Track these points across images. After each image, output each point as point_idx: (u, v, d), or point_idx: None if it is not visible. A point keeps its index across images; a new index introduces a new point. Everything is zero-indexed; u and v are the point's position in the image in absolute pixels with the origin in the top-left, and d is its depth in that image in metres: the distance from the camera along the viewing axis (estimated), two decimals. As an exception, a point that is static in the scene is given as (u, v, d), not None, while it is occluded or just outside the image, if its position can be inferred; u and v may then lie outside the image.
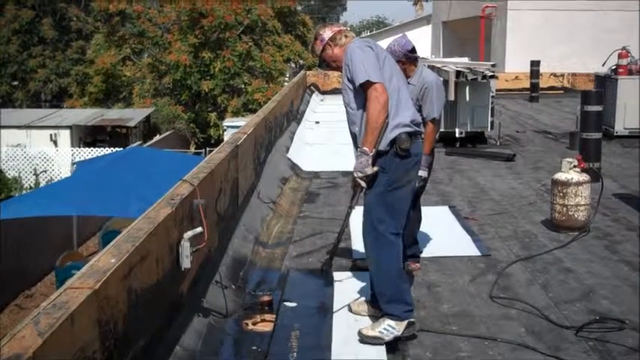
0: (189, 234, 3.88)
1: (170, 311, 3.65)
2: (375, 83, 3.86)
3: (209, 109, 29.06)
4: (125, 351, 2.90)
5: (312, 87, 19.98)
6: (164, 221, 3.54)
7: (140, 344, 3.11)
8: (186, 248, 3.83)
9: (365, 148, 3.88)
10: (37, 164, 22.78)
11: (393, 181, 3.95)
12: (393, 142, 3.92)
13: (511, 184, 8.69)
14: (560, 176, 6.44)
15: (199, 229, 3.97)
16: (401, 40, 5.19)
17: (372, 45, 4.07)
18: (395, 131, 3.92)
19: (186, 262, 3.85)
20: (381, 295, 4.11)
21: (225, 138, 24.77)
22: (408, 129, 3.96)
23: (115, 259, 2.86)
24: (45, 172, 22.71)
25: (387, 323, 4.00)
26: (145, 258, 3.19)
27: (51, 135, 24.16)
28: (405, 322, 4.00)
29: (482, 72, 10.90)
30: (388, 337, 3.99)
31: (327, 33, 4.19)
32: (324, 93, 20.21)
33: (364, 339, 4.03)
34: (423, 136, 4.25)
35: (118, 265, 2.81)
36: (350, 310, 4.49)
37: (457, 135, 11.26)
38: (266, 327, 4.34)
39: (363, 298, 4.58)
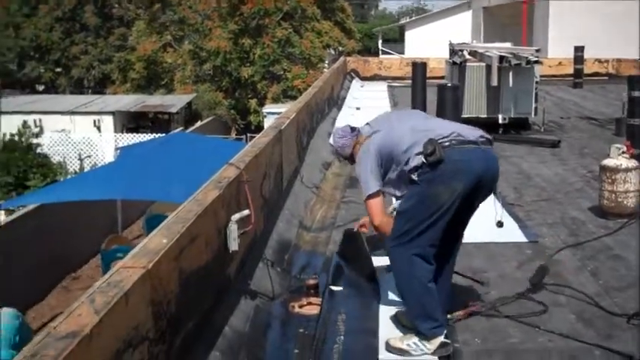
0: (236, 216, 3.89)
1: (218, 293, 3.66)
2: (371, 198, 3.90)
3: (249, 96, 29.16)
4: (177, 331, 2.92)
5: (352, 73, 19.91)
6: (212, 203, 3.55)
7: (190, 325, 3.12)
8: (233, 230, 3.84)
9: None
10: (81, 149, 23.09)
11: (426, 193, 3.68)
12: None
13: (556, 171, 8.56)
14: (609, 162, 6.31)
15: (246, 212, 3.97)
16: (336, 136, 4.38)
17: (371, 143, 3.96)
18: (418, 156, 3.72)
19: (233, 245, 3.86)
20: (407, 308, 3.92)
21: (266, 124, 24.92)
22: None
23: (166, 240, 2.87)
24: (89, 157, 23.02)
25: (416, 339, 3.75)
26: (195, 239, 3.20)
27: (94, 121, 24.49)
28: (438, 342, 3.72)
29: (527, 57, 10.73)
30: (416, 353, 3.71)
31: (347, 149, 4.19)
32: (364, 79, 20.12)
33: (390, 349, 3.79)
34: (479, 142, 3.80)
35: (169, 246, 2.82)
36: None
37: (500, 121, 11.12)
38: (312, 310, 4.33)
39: None
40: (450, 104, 6.97)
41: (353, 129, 4.25)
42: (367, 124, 4.26)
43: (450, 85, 7.47)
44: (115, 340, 2.26)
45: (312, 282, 4.70)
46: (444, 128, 3.78)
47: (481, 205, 6.66)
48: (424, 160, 3.62)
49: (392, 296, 4.45)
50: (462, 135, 3.71)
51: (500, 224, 4.21)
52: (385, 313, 4.28)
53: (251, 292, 4.28)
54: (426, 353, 3.73)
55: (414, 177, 3.69)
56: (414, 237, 3.67)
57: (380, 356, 3.76)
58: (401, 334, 3.93)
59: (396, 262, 3.82)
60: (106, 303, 2.23)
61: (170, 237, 2.91)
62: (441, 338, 3.76)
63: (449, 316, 4.08)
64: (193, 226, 3.16)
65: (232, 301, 3.95)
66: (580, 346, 3.86)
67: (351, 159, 4.24)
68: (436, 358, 3.73)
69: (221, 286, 3.74)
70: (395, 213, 4.07)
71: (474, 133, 3.82)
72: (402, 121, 4.03)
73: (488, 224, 6.22)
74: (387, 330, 4.03)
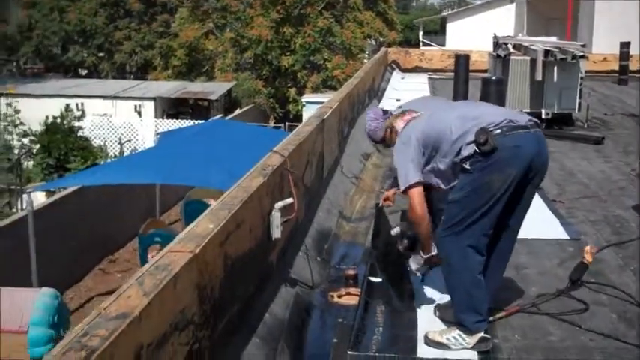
0: (279, 204, 3.91)
1: (260, 280, 3.69)
2: (411, 188, 3.79)
3: (289, 85, 29.21)
4: (220, 316, 2.95)
5: (392, 64, 19.82)
6: (257, 190, 3.57)
7: (234, 310, 3.16)
8: (276, 218, 3.86)
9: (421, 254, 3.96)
10: (122, 134, 23.37)
11: (479, 182, 3.60)
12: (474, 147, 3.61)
13: (600, 168, 8.44)
14: (656, 161, 6.22)
15: (290, 200, 3.99)
16: (368, 119, 4.32)
17: (412, 131, 3.86)
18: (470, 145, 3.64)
19: (276, 232, 3.88)
20: (454, 300, 3.85)
21: (304, 114, 24.97)
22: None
23: (212, 225, 2.90)
24: (129, 141, 23.29)
25: (457, 332, 3.73)
26: (240, 226, 3.23)
27: (135, 106, 24.75)
28: (478, 336, 3.71)
29: (572, 52, 10.58)
30: (455, 347, 3.69)
31: (399, 124, 4.01)
32: (404, 71, 20.01)
33: (429, 342, 3.76)
34: (529, 127, 3.69)
35: (216, 231, 2.84)
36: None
37: (543, 116, 10.98)
38: (351, 300, 4.35)
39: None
40: (493, 98, 6.91)
41: (385, 112, 4.21)
42: (400, 107, 4.22)
43: (494, 78, 7.38)
44: (163, 323, 2.29)
45: (351, 272, 4.70)
46: (494, 115, 3.70)
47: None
48: (477, 150, 3.55)
49: (431, 289, 4.44)
50: (512, 121, 3.64)
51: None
52: (425, 305, 4.27)
53: (291, 280, 4.31)
54: (465, 347, 3.71)
55: (466, 166, 3.62)
56: (467, 226, 3.62)
57: (419, 349, 3.76)
58: (441, 328, 3.91)
59: (447, 252, 3.76)
60: (155, 285, 2.27)
61: (216, 222, 2.94)
62: (482, 333, 3.73)
63: (490, 318, 4.04)
64: (238, 212, 3.19)
65: (273, 289, 3.98)
66: (622, 347, 3.81)
67: (383, 142, 4.18)
68: (475, 352, 3.72)
69: (263, 273, 3.77)
70: (398, 233, 4.16)
71: (523, 117, 3.75)
72: (447, 110, 3.93)
73: (529, 220, 6.18)
74: (426, 323, 4.03)
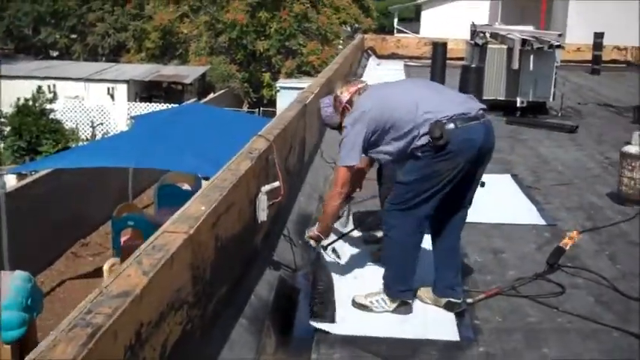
0: (266, 187, 3.95)
1: (246, 262, 3.73)
2: (340, 167, 3.99)
3: (263, 70, 29.15)
4: (210, 297, 2.99)
5: (369, 50, 19.85)
6: (246, 174, 3.61)
7: (222, 291, 3.20)
8: (263, 201, 3.91)
9: (313, 231, 4.23)
10: (94, 117, 23.19)
11: (430, 169, 3.76)
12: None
13: (575, 156, 8.58)
14: (630, 149, 6.34)
15: (277, 183, 4.04)
16: (323, 105, 4.43)
17: (363, 106, 3.94)
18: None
19: (262, 215, 3.93)
20: (386, 268, 4.06)
21: (278, 99, 24.95)
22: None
23: (204, 207, 2.93)
24: (101, 124, 23.13)
25: (381, 297, 3.99)
26: (230, 208, 3.27)
27: (108, 88, 24.55)
28: (399, 301, 3.97)
29: (549, 41, 10.70)
30: (378, 310, 3.97)
31: (344, 95, 4.10)
32: (380, 57, 20.03)
33: (354, 305, 4.04)
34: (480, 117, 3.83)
35: (208, 213, 2.88)
36: (414, 294, 4.19)
37: (518, 104, 11.10)
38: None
39: (429, 287, 4.21)
40: (472, 86, 6.98)
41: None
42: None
43: (473, 66, 7.46)
44: (161, 302, 2.33)
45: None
46: (449, 106, 3.79)
47: (499, 188, 6.78)
48: (430, 142, 3.70)
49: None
50: (465, 113, 3.77)
51: (482, 184, 4.17)
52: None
53: (274, 263, 4.36)
54: (387, 310, 3.98)
55: (418, 153, 3.77)
56: (411, 206, 3.82)
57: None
58: (367, 292, 4.12)
59: (388, 226, 3.95)
60: (153, 265, 2.30)
61: (208, 204, 2.97)
62: (404, 299, 3.99)
63: (469, 300, 4.16)
64: (229, 195, 3.23)
65: (258, 271, 4.02)
66: (599, 328, 3.92)
67: (340, 128, 4.18)
68: (456, 332, 3.82)
69: (249, 256, 3.81)
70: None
71: (474, 106, 3.88)
72: (404, 92, 4.00)
73: (505, 205, 6.30)
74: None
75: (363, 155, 4.03)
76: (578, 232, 5.03)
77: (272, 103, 26.92)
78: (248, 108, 27.78)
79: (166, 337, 2.41)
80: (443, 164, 3.71)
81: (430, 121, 3.70)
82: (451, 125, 3.68)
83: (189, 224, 2.71)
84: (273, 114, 23.34)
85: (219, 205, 3.04)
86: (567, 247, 4.82)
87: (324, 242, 4.47)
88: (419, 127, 3.74)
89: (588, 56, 18.52)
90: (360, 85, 4.15)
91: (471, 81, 7.13)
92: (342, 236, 4.81)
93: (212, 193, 3.13)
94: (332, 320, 3.89)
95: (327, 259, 4.55)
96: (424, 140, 3.72)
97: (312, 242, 4.33)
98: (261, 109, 26.62)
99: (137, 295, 2.10)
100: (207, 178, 14.50)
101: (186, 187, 13.29)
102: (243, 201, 3.60)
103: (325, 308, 4.01)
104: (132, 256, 2.37)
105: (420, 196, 3.78)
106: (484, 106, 3.94)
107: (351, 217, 5.22)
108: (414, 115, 3.76)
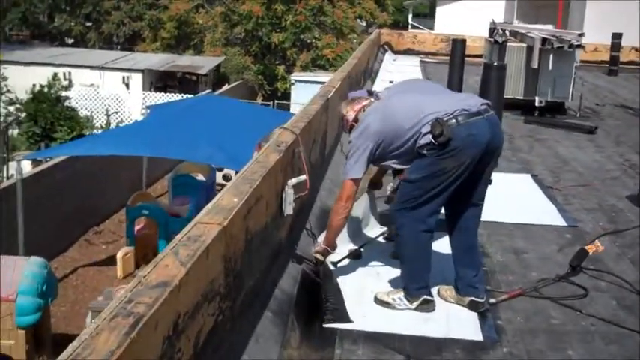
0: (293, 181, 3.95)
1: (272, 254, 3.73)
2: (345, 181, 4.03)
3: (278, 62, 29.12)
4: (240, 288, 2.99)
5: (385, 46, 19.80)
6: (274, 167, 3.60)
7: (250, 283, 3.20)
8: (289, 195, 3.90)
9: (320, 244, 4.19)
10: (109, 105, 23.22)
11: (436, 167, 3.77)
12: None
13: (594, 157, 8.54)
14: (653, 152, 6.31)
15: (303, 177, 4.03)
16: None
17: (367, 120, 4.01)
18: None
19: (288, 209, 3.92)
20: (401, 266, 4.11)
21: (293, 92, 24.91)
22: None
23: (237, 199, 2.93)
24: (116, 113, 23.15)
25: (402, 294, 4.03)
26: (259, 201, 3.26)
27: (123, 77, 24.55)
28: (421, 299, 3.98)
29: (569, 41, 10.64)
30: (400, 307, 4.01)
31: (350, 114, 4.22)
32: (396, 53, 20.01)
33: (377, 301, 4.08)
34: (483, 112, 3.83)
35: (240, 205, 2.87)
36: (438, 293, 4.22)
37: (537, 104, 11.07)
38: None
39: (452, 286, 4.21)
40: (494, 84, 6.94)
41: (370, 92, 4.38)
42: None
43: (496, 64, 7.42)
44: (196, 293, 2.33)
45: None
46: (449, 105, 3.80)
47: (520, 188, 6.76)
48: (433, 140, 3.71)
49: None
50: (465, 109, 3.77)
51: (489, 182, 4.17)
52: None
53: (297, 257, 4.36)
54: (409, 308, 4.00)
55: (423, 152, 3.78)
56: (419, 204, 3.84)
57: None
58: (389, 289, 4.18)
59: (399, 225, 3.98)
60: (190, 256, 2.30)
61: (240, 197, 2.97)
62: (425, 296, 4.00)
63: (492, 300, 4.15)
64: (258, 187, 3.22)
65: (282, 264, 4.02)
66: (622, 332, 3.90)
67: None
68: (479, 333, 3.80)
69: (274, 249, 3.81)
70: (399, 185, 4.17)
71: (475, 102, 3.88)
72: (406, 103, 4.00)
73: (526, 206, 6.28)
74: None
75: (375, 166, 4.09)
76: (600, 246, 4.99)
77: (286, 96, 26.89)
78: (262, 100, 27.75)
79: (200, 328, 2.40)
80: (449, 161, 3.73)
81: (431, 120, 3.74)
82: (453, 121, 3.70)
83: (223, 216, 2.71)
84: (287, 107, 23.35)
85: (250, 198, 3.03)
86: (591, 251, 4.79)
87: (334, 258, 4.48)
88: (420, 128, 3.78)
89: (605, 57, 18.46)
90: (364, 103, 4.23)
91: (492, 79, 7.08)
92: (352, 253, 4.71)
93: (243, 186, 3.12)
94: (348, 320, 3.88)
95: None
96: (427, 139, 3.74)
97: (319, 256, 4.31)
98: (276, 101, 26.58)
99: (176, 286, 2.10)
100: (221, 169, 14.60)
101: (200, 177, 13.33)
102: (270, 194, 3.60)
103: (338, 313, 3.97)
104: (168, 246, 2.37)
105: (428, 194, 3.81)
106: (487, 102, 3.95)
107: (372, 218, 5.17)
108: (418, 120, 3.80)
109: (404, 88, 4.33)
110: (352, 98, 4.34)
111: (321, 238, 4.38)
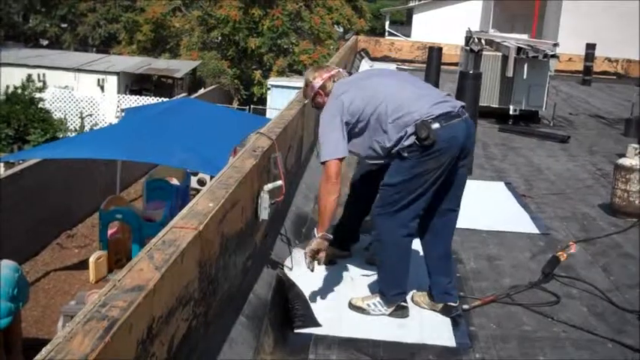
0: (269, 186, 3.94)
1: (247, 259, 3.72)
2: (330, 161, 3.83)
3: (254, 67, 29.08)
4: (214, 293, 2.98)
5: (362, 52, 19.88)
6: (250, 172, 3.60)
7: (224, 288, 3.19)
8: (265, 200, 3.90)
9: (315, 231, 3.91)
10: (83, 107, 23.01)
11: (416, 170, 3.74)
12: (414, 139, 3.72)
13: (567, 166, 8.64)
14: (625, 162, 6.39)
15: (279, 182, 4.02)
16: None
17: (343, 95, 3.89)
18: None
19: (264, 214, 3.92)
20: (379, 271, 4.08)
21: (269, 97, 24.89)
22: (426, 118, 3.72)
23: (212, 204, 2.92)
24: (90, 115, 22.95)
25: (377, 300, 4.00)
26: (234, 206, 3.26)
27: (98, 80, 24.36)
28: (395, 305, 3.98)
29: (544, 50, 10.76)
30: (374, 313, 3.99)
31: (317, 81, 4.10)
32: (373, 59, 20.09)
33: (351, 307, 4.06)
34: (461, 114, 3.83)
35: (216, 210, 2.87)
36: (411, 299, 4.20)
37: (511, 112, 11.18)
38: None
39: (425, 292, 4.21)
40: (470, 92, 7.00)
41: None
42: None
43: (471, 72, 7.49)
44: (171, 297, 2.32)
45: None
46: (433, 107, 3.76)
47: (493, 195, 6.82)
48: (417, 142, 3.69)
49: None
50: (447, 111, 3.76)
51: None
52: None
53: (272, 262, 4.36)
54: (383, 314, 3.99)
55: (404, 154, 3.75)
56: (400, 208, 3.80)
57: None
58: (363, 294, 4.17)
59: (379, 230, 3.93)
60: (165, 260, 2.29)
61: (215, 201, 2.96)
62: (400, 303, 4.00)
63: (465, 306, 4.18)
64: (235, 192, 3.22)
65: (257, 269, 4.02)
66: (593, 339, 3.94)
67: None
68: (453, 339, 3.83)
69: (249, 254, 3.80)
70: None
71: (454, 103, 3.89)
72: (388, 85, 3.95)
73: (500, 213, 6.33)
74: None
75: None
76: (573, 243, 5.06)
77: (262, 101, 26.86)
78: (238, 105, 27.68)
79: (174, 332, 2.40)
80: (430, 162, 3.71)
81: (415, 120, 3.70)
82: (436, 125, 3.68)
83: (198, 220, 2.70)
84: (264, 112, 23.33)
85: (225, 202, 3.03)
86: (563, 259, 4.85)
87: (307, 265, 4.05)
88: (405, 127, 3.72)
89: (579, 67, 18.68)
90: (333, 72, 4.12)
91: (468, 88, 7.15)
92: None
93: (219, 190, 3.12)
94: (317, 324, 3.85)
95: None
96: (411, 140, 3.71)
97: (322, 245, 3.89)
98: (252, 106, 26.53)
99: (150, 290, 2.09)
100: (195, 174, 14.55)
101: (174, 181, 13.27)
102: (246, 199, 3.60)
103: (306, 317, 3.93)
104: (143, 250, 2.36)
105: (408, 197, 3.77)
106: (463, 104, 3.97)
107: None
108: (402, 113, 3.74)
109: (384, 73, 4.20)
110: (320, 65, 4.25)
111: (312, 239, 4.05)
